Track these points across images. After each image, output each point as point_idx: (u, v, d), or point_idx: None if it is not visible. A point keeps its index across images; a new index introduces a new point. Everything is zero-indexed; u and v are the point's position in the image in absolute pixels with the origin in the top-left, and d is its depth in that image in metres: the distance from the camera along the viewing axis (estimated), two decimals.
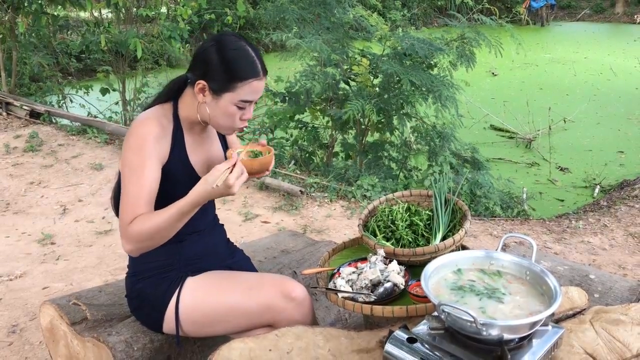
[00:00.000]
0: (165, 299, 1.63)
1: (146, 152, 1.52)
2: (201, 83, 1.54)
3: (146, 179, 1.51)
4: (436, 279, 1.36)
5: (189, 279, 1.65)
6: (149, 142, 1.52)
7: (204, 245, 1.74)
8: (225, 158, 1.63)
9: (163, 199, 1.54)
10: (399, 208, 1.82)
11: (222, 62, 1.52)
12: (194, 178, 1.62)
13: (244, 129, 1.64)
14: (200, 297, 1.61)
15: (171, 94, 1.65)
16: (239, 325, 1.59)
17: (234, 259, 1.85)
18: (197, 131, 1.68)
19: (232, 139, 1.86)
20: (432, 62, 4.69)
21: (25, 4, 6.66)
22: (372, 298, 1.51)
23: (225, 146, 1.81)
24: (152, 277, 1.65)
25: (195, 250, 1.71)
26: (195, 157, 1.65)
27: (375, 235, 1.77)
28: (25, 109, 6.48)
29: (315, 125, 5.37)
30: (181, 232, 1.65)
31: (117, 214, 1.77)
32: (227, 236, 1.92)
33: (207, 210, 1.78)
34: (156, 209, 1.62)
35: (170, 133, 1.59)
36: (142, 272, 1.67)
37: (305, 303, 1.60)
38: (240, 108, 1.55)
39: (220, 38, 1.57)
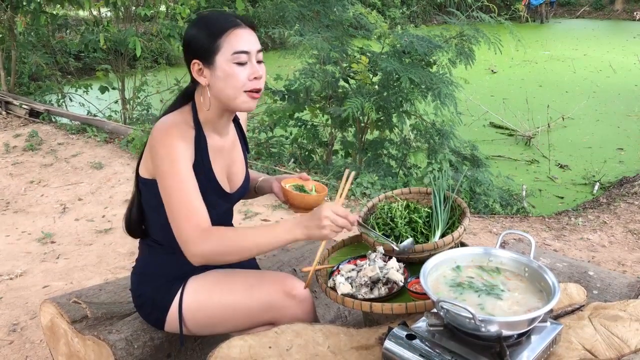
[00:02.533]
0: (167, 300, 1.62)
1: (178, 157, 1.46)
2: (195, 62, 1.50)
3: (188, 183, 1.46)
4: (435, 275, 1.36)
5: (191, 278, 1.64)
6: (178, 147, 1.46)
7: None
8: (244, 170, 1.64)
9: None
10: (398, 205, 1.82)
11: (199, 31, 1.49)
12: (214, 187, 1.60)
13: (260, 92, 1.53)
14: (202, 297, 1.60)
15: (186, 97, 1.60)
16: (241, 323, 1.59)
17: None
18: (219, 132, 1.61)
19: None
20: (431, 60, 4.69)
21: (24, 3, 6.66)
22: (372, 295, 1.51)
23: (245, 147, 1.76)
24: (158, 282, 1.65)
25: None
26: (217, 165, 1.60)
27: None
28: (24, 108, 6.48)
29: (315, 123, 5.37)
30: None
31: (129, 231, 1.72)
32: None
33: (227, 217, 1.75)
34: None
35: (192, 140, 1.53)
36: (149, 275, 1.67)
37: (306, 300, 1.59)
38: (240, 64, 1.47)
39: (197, 16, 1.56)
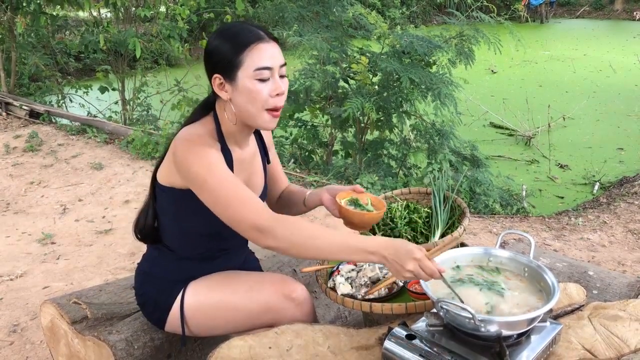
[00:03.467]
0: (169, 301, 1.62)
1: (213, 160, 1.41)
2: (216, 77, 1.46)
3: (233, 179, 1.41)
4: None
5: (193, 281, 1.64)
6: (210, 153, 1.42)
7: (234, 263, 1.73)
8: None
9: (195, 215, 1.49)
10: (398, 206, 1.83)
11: (221, 44, 1.45)
12: None
13: (280, 109, 1.48)
14: (203, 298, 1.60)
15: (206, 108, 1.56)
16: (241, 325, 1.59)
17: (243, 262, 1.84)
18: (240, 145, 1.59)
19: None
20: (431, 60, 4.69)
21: (24, 4, 6.67)
22: (371, 295, 1.52)
23: (265, 157, 1.72)
24: (163, 284, 1.65)
25: (221, 266, 1.69)
26: (240, 177, 1.57)
27: (374, 233, 1.78)
28: (24, 109, 6.49)
29: (315, 124, 5.38)
30: (214, 248, 1.65)
31: (139, 236, 1.70)
32: None
33: None
34: (186, 225, 1.58)
35: (219, 152, 1.49)
36: (155, 277, 1.67)
37: (305, 303, 1.58)
38: (261, 81, 1.43)
39: (220, 27, 1.52)
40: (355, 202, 1.64)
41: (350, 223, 1.59)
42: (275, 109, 1.47)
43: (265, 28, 1.50)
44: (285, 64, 1.49)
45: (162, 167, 1.58)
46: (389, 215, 1.80)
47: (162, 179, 1.57)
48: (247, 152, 1.63)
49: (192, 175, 1.42)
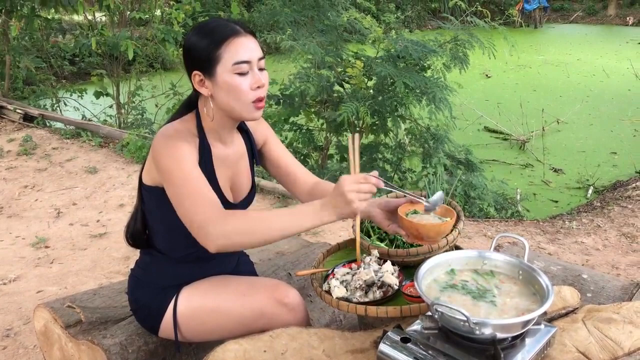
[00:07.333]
0: (162, 307, 1.62)
1: (183, 156, 1.42)
2: (196, 74, 1.46)
3: (197, 176, 1.42)
4: (429, 279, 1.37)
5: (185, 286, 1.63)
6: (182, 147, 1.43)
7: (226, 266, 1.72)
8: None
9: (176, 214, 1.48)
10: None
11: (198, 40, 1.45)
12: (218, 195, 1.54)
13: (264, 100, 1.49)
14: (195, 304, 1.60)
15: (189, 106, 1.57)
16: (234, 331, 1.58)
17: (237, 265, 1.83)
18: (223, 141, 1.58)
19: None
20: (425, 64, 4.71)
21: (18, 7, 6.65)
22: (366, 299, 1.51)
23: (252, 161, 1.71)
24: (155, 289, 1.64)
25: (214, 270, 1.68)
26: (221, 174, 1.57)
27: (369, 237, 1.78)
28: (18, 113, 6.46)
29: (310, 128, 5.38)
30: (203, 249, 1.64)
31: (130, 242, 1.69)
32: None
33: None
34: (172, 224, 1.54)
35: (196, 147, 1.50)
36: (147, 282, 1.66)
37: (299, 308, 1.58)
38: (241, 75, 1.43)
39: (197, 24, 1.52)
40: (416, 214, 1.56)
41: (423, 237, 1.50)
42: (258, 100, 1.48)
43: (243, 22, 1.51)
44: (263, 57, 1.49)
45: (145, 167, 1.59)
46: None
47: (146, 178, 1.58)
48: (231, 149, 1.61)
49: (161, 167, 1.44)
